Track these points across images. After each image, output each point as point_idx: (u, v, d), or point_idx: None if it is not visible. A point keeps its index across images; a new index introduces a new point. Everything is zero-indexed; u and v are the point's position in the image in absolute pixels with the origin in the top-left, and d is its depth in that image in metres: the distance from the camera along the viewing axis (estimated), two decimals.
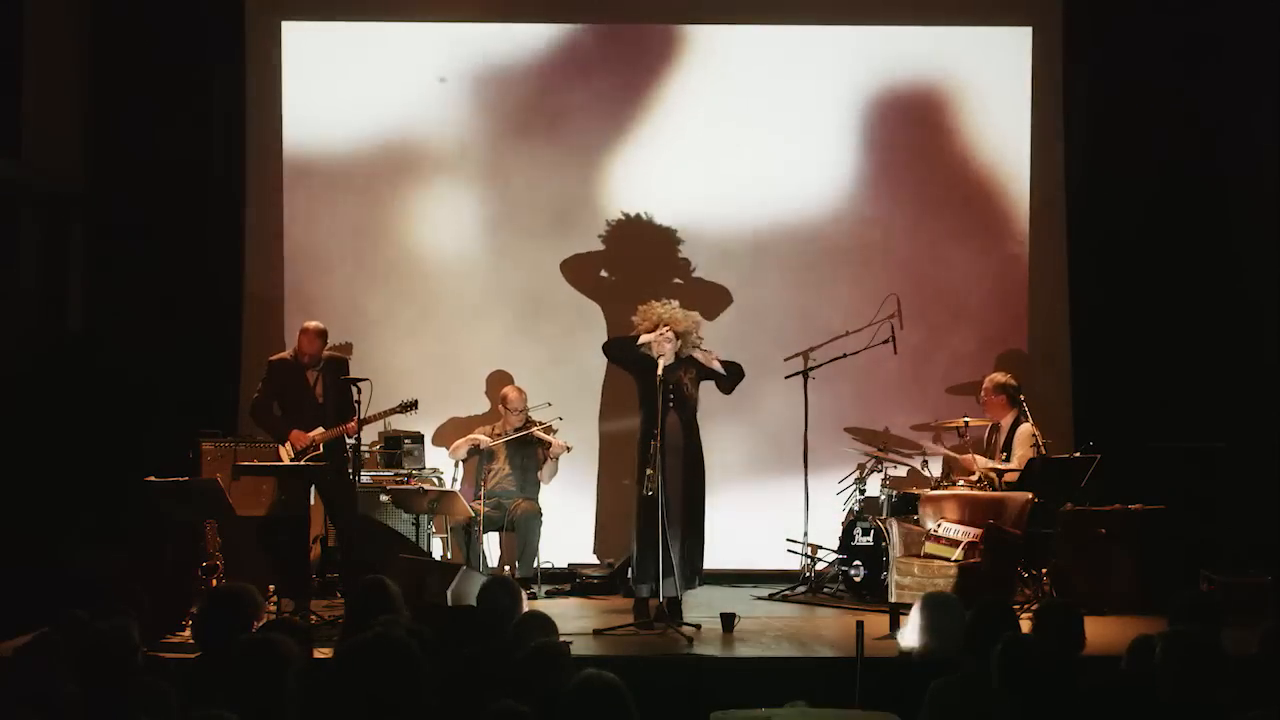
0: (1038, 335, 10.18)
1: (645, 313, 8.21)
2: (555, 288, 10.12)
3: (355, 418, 8.24)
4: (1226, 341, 9.84)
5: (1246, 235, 9.86)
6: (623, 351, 8.30)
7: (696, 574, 8.21)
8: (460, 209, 10.17)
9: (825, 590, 9.26)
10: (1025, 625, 5.47)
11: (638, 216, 10.12)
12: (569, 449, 9.32)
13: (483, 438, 9.23)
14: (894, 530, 8.37)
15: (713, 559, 8.72)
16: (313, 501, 8.71)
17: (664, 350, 8.04)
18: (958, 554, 8.02)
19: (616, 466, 9.67)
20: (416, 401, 8.77)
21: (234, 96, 10.01)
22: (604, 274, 10.12)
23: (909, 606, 6.72)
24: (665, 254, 10.10)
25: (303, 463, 8.47)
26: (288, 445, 8.60)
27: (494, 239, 10.16)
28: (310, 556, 8.62)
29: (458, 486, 9.32)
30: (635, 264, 10.11)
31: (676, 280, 10.04)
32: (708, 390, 8.35)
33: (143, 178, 9.84)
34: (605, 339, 9.49)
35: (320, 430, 8.55)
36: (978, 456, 8.87)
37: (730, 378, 8.28)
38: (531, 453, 9.32)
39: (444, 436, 9.85)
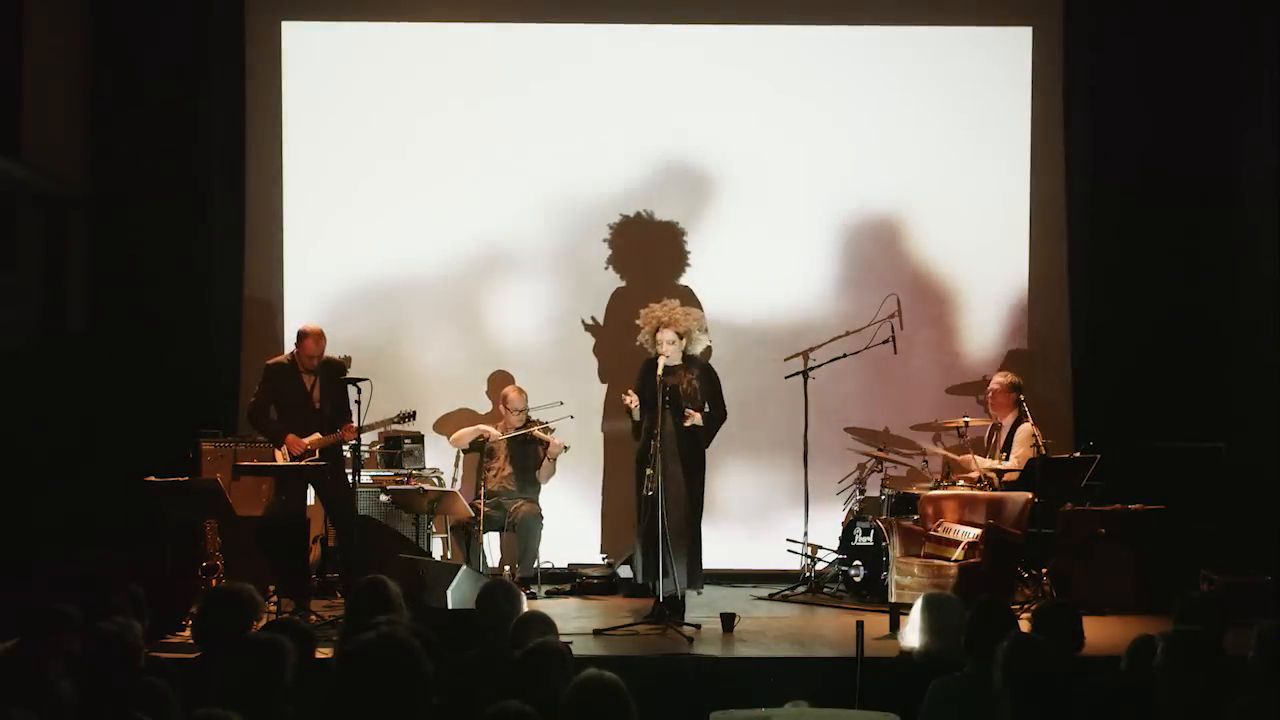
0: (1038, 335, 10.18)
1: (646, 317, 8.27)
2: (556, 287, 10.12)
3: (353, 425, 8.24)
4: (1226, 341, 9.85)
5: (1247, 234, 9.86)
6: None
7: (699, 576, 8.23)
8: (461, 209, 10.16)
9: (825, 590, 9.25)
10: (1025, 625, 5.47)
11: (639, 216, 10.12)
12: (566, 448, 9.33)
13: (491, 430, 9.25)
14: (894, 530, 8.37)
15: (713, 559, 8.73)
16: (312, 502, 8.72)
17: (667, 352, 8.07)
18: (958, 554, 8.02)
19: (618, 466, 9.67)
20: (414, 413, 8.80)
21: (234, 96, 10.01)
22: (606, 274, 10.12)
23: (909, 606, 6.75)
24: (667, 254, 10.10)
25: (302, 463, 8.47)
26: (284, 450, 8.58)
27: (495, 239, 10.16)
28: (310, 556, 8.62)
29: (458, 486, 9.33)
30: (637, 264, 10.11)
31: (678, 280, 10.04)
32: None
33: (143, 178, 9.83)
34: (605, 337, 9.76)
35: (317, 436, 8.54)
36: (976, 457, 8.87)
37: (709, 427, 8.25)
38: (531, 452, 9.32)
39: (447, 425, 9.85)
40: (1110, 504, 8.88)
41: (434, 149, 10.15)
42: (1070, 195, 10.10)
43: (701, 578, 8.31)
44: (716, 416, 8.30)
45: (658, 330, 8.15)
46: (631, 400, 8.15)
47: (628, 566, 8.48)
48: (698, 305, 8.85)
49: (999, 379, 9.21)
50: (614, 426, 9.84)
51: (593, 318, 10.05)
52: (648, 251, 10.12)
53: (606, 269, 10.09)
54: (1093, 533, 8.72)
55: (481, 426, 9.37)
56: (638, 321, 8.34)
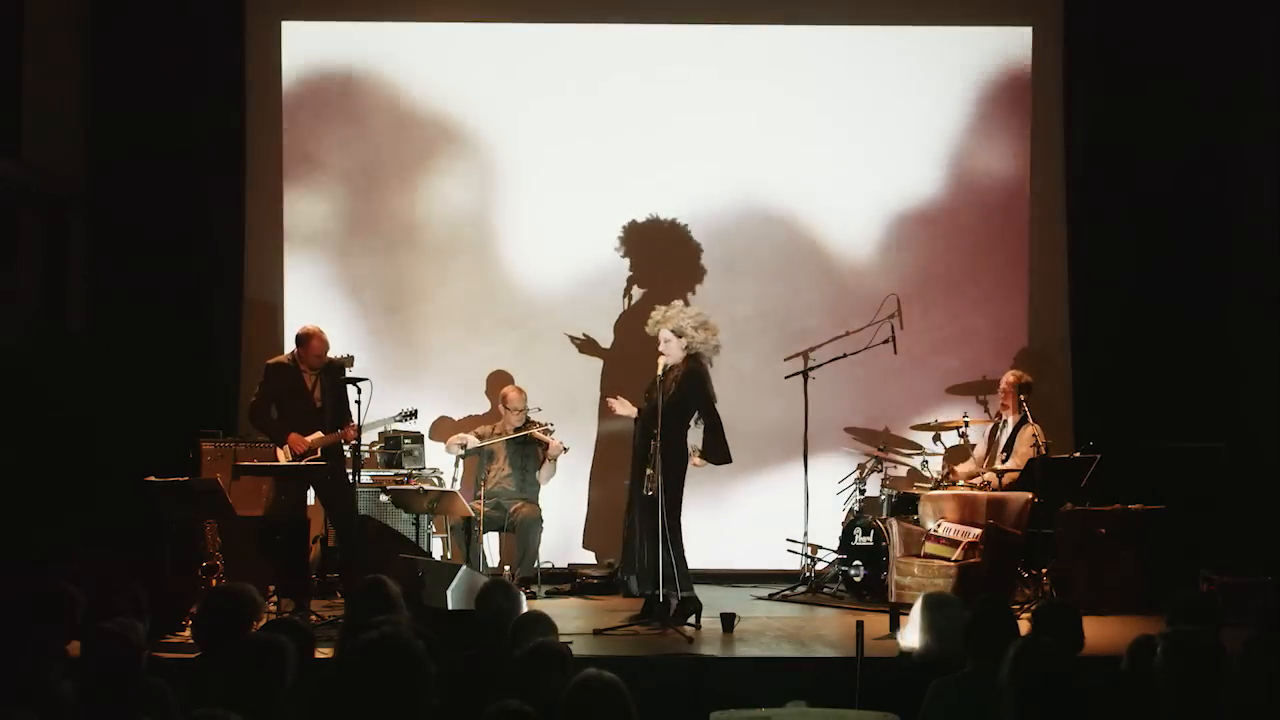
0: (1038, 335, 10.18)
1: (649, 323, 8.29)
2: (556, 287, 10.12)
3: (355, 424, 8.24)
4: (1226, 341, 9.85)
5: (1247, 234, 9.87)
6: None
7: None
8: (461, 208, 10.17)
9: (825, 590, 9.26)
10: (1025, 625, 5.47)
11: (643, 217, 10.12)
12: (566, 449, 9.33)
13: (470, 438, 9.24)
14: (894, 530, 8.38)
15: (713, 559, 8.72)
16: (312, 502, 8.72)
17: (665, 351, 8.08)
18: (958, 554, 8.03)
19: (616, 466, 9.67)
20: (416, 411, 8.79)
21: (234, 96, 10.01)
22: (609, 275, 10.12)
23: (909, 606, 6.73)
24: (668, 254, 10.10)
25: (302, 463, 8.47)
26: (285, 449, 8.58)
27: (495, 238, 10.16)
28: (310, 556, 8.62)
29: (457, 486, 9.33)
30: (640, 264, 10.11)
31: (681, 281, 10.03)
32: None
33: (143, 178, 9.84)
34: (606, 338, 9.82)
35: (319, 434, 8.53)
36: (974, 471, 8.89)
37: (708, 441, 8.16)
38: (531, 453, 9.33)
39: (441, 431, 9.86)
40: (1110, 504, 8.88)
41: (434, 148, 10.14)
42: (1070, 195, 10.10)
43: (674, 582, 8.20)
44: (707, 426, 8.15)
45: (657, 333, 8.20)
46: (615, 406, 8.21)
47: (631, 580, 8.30)
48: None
49: (1009, 377, 9.20)
50: (611, 427, 9.83)
51: (584, 334, 10.05)
52: (647, 252, 10.11)
53: (608, 277, 10.10)
54: (1093, 533, 8.72)
55: (461, 435, 9.32)
56: (646, 329, 8.34)
